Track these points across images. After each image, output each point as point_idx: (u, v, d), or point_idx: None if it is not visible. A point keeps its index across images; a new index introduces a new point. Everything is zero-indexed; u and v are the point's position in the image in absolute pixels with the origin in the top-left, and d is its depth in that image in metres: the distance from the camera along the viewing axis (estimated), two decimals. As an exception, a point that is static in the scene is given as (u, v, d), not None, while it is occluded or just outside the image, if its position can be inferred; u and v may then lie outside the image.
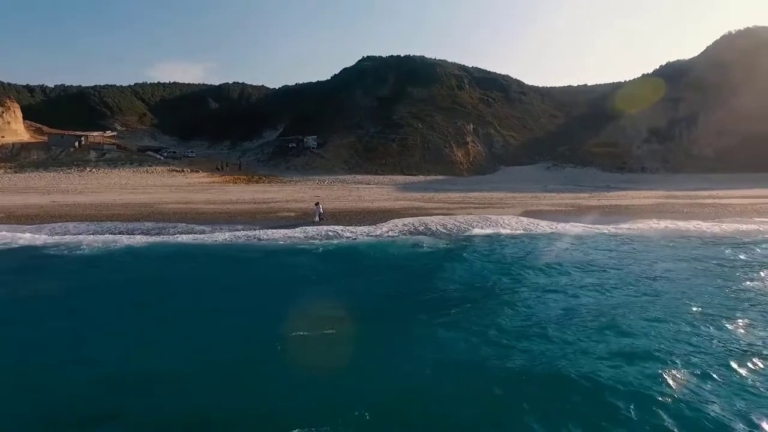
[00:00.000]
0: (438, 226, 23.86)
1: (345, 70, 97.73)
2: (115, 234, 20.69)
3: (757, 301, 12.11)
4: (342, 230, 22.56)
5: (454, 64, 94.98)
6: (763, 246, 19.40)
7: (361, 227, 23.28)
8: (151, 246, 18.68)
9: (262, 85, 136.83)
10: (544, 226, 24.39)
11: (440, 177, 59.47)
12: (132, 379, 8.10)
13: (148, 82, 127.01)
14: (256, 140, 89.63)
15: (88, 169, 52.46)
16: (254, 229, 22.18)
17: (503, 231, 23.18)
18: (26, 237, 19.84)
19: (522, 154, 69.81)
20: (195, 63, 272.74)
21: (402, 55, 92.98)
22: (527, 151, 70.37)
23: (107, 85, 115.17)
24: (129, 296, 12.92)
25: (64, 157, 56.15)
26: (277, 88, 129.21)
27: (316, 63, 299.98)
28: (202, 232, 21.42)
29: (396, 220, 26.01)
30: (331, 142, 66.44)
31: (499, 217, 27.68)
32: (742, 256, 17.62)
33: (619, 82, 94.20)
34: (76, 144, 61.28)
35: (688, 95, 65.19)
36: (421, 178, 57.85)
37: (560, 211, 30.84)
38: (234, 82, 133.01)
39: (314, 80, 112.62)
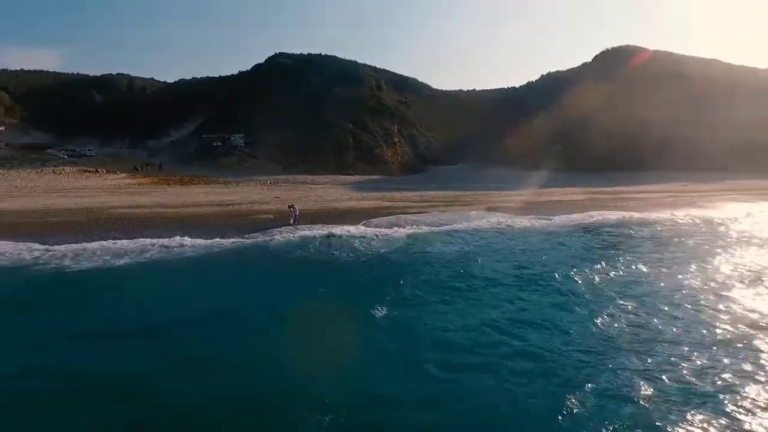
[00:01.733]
0: (431, 224, 25.11)
1: (258, 66, 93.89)
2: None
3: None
4: (354, 230, 22.73)
5: (366, 65, 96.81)
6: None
7: (375, 229, 23.56)
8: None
9: (152, 78, 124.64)
10: (523, 221, 27.16)
11: (375, 177, 60.81)
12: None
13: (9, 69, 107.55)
14: (163, 138, 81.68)
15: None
16: (273, 234, 21.49)
17: (484, 225, 25.24)
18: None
19: (445, 154, 74.10)
20: (44, 48, 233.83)
21: (322, 53, 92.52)
22: (449, 151, 74.84)
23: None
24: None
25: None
26: (171, 81, 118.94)
27: (210, 57, 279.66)
28: (223, 238, 20.10)
29: (378, 219, 26.84)
30: (261, 142, 63.91)
31: (473, 213, 30.16)
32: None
33: (514, 88, 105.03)
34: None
35: (580, 102, 75.37)
36: (359, 177, 58.59)
37: (517, 207, 33.73)
38: (119, 73, 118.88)
39: (214, 75, 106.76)
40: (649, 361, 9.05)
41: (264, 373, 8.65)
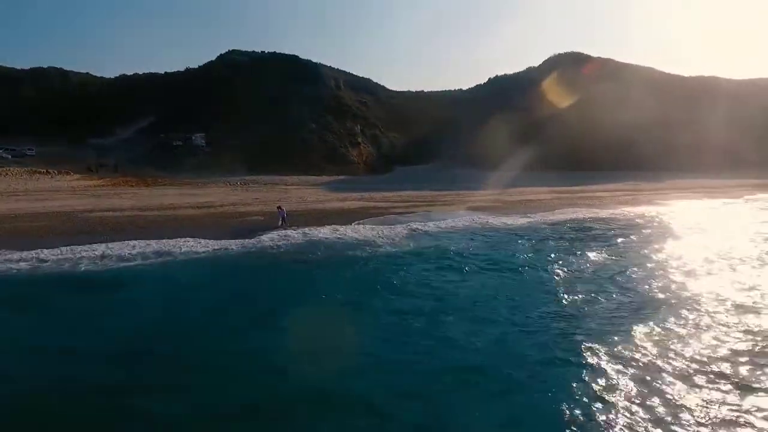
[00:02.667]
0: (431, 225, 25.62)
1: (211, 63, 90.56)
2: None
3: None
4: (352, 231, 22.67)
5: (322, 65, 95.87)
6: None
7: (377, 227, 23.71)
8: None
9: (88, 73, 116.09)
10: (504, 220, 28.22)
11: (343, 177, 60.76)
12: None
13: None
14: (108, 137, 76.36)
15: None
16: (269, 234, 21.13)
17: (475, 224, 26.16)
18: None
19: (408, 155, 75.28)
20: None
21: (277, 52, 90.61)
22: (412, 152, 76.18)
23: None
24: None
25: None
26: (112, 77, 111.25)
27: (146, 53, 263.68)
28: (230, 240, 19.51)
29: (370, 219, 27.12)
30: (223, 142, 61.84)
31: (461, 211, 31.26)
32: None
33: (463, 89, 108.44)
34: None
35: (534, 105, 79.35)
36: (327, 178, 58.29)
37: (495, 207, 35.01)
38: (50, 67, 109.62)
39: (159, 71, 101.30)
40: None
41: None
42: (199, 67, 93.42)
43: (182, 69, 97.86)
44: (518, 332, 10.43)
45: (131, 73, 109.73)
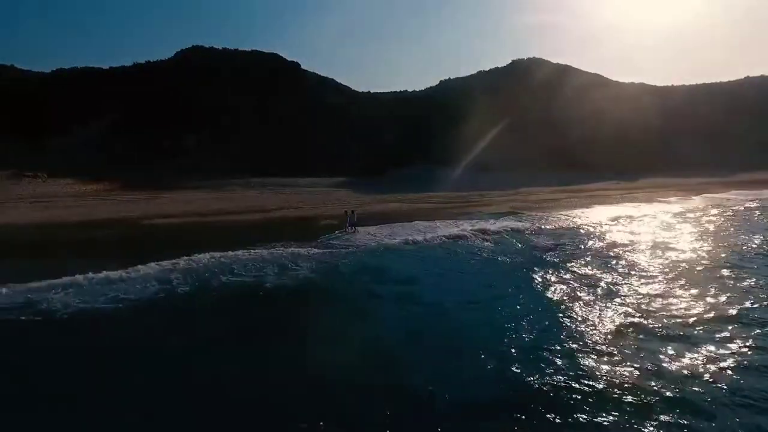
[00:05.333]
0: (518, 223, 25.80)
1: (177, 59, 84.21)
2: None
3: None
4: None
5: (296, 62, 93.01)
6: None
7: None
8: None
9: (12, 65, 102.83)
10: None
11: (342, 179, 59.28)
12: None
13: None
14: (66, 137, 67.81)
15: None
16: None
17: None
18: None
19: (396, 156, 74.68)
20: None
21: (264, 51, 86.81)
22: (398, 153, 75.83)
23: None
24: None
25: None
26: (49, 71, 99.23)
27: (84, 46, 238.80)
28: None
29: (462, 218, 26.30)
30: (211, 144, 57.88)
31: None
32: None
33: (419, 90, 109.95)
34: None
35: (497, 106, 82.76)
36: (326, 179, 56.54)
37: (534, 207, 35.56)
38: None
39: (100, 65, 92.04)
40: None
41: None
42: (160, 61, 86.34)
43: (129, 64, 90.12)
44: None
45: (69, 68, 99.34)
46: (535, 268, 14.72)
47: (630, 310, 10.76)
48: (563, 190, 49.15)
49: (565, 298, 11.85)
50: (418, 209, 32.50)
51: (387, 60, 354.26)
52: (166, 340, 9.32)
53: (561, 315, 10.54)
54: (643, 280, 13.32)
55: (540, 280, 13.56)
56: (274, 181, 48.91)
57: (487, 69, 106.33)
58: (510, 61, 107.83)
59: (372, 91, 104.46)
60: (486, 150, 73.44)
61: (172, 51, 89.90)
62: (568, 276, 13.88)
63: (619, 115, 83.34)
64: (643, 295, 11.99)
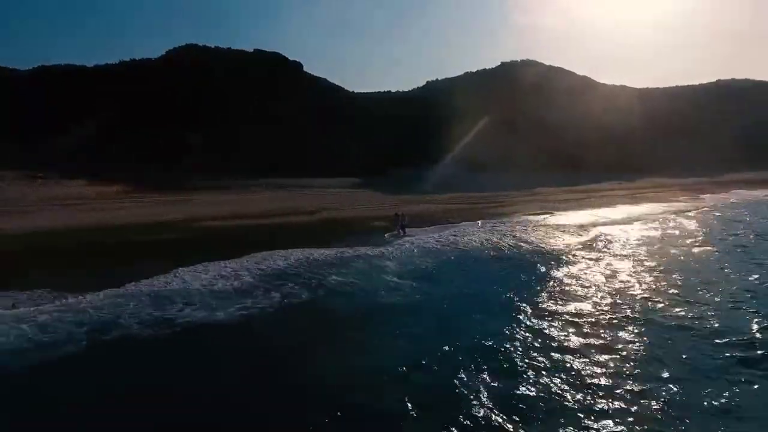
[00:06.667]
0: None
1: (168, 58, 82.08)
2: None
3: None
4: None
5: (295, 61, 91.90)
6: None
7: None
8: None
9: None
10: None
11: (355, 179, 58.93)
12: None
13: None
14: (60, 137, 65.09)
15: None
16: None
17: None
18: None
19: (395, 156, 74.84)
20: None
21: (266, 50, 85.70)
22: (396, 153, 76.04)
23: None
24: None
25: None
26: (30, 68, 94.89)
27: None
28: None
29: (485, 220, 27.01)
30: (214, 144, 56.73)
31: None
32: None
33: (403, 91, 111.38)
34: None
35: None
36: (329, 180, 56.16)
37: (564, 207, 36.05)
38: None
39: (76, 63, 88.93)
40: None
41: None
42: (153, 59, 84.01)
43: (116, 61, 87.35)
44: None
45: (53, 64, 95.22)
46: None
47: None
48: (573, 190, 50.46)
49: None
50: (447, 210, 33.01)
51: (371, 60, 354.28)
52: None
53: None
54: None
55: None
56: (289, 182, 48.46)
57: (474, 70, 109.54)
58: (500, 63, 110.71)
59: (355, 91, 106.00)
60: (486, 150, 74.53)
61: (166, 49, 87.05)
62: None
63: (615, 117, 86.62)
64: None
